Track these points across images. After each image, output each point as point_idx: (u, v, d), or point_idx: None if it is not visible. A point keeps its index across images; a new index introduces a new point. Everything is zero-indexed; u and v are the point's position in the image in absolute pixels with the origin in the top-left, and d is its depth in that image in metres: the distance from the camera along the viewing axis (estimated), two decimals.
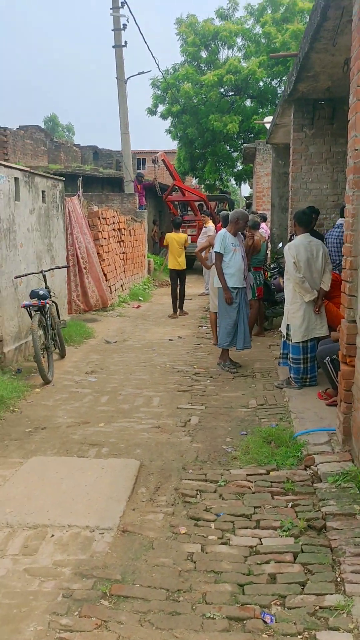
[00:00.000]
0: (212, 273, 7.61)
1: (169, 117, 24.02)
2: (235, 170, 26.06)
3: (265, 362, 7.11)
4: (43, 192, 8.04)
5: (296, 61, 6.76)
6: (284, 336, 5.94)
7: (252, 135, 23.15)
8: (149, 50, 28.99)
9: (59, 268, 8.12)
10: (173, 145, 27.63)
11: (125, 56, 16.42)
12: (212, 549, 3.05)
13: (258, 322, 8.64)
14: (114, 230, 12.19)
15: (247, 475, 3.90)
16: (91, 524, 3.27)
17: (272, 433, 4.52)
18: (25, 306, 6.37)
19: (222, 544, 3.10)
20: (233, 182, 31.20)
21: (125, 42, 16.33)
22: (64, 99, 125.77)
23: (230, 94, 23.36)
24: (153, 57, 30.68)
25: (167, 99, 23.56)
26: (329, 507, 3.31)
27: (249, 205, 20.33)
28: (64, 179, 9.48)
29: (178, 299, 11.09)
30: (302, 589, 2.68)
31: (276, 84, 22.83)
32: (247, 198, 27.38)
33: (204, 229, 13.36)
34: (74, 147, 29.71)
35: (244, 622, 2.49)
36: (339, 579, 2.73)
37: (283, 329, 5.95)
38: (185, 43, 23.34)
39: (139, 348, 8.18)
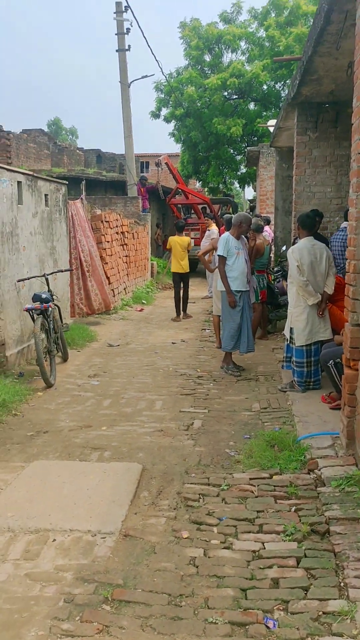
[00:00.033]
0: (215, 276, 7.59)
1: (173, 121, 24.08)
2: (238, 173, 26.07)
3: (268, 366, 7.10)
4: (46, 195, 8.05)
5: (300, 65, 6.75)
6: (287, 339, 5.93)
7: (255, 138, 23.18)
8: (153, 53, 29.15)
9: (62, 271, 8.12)
10: (176, 148, 27.65)
11: (129, 60, 16.44)
12: (215, 553, 3.03)
13: (261, 325, 8.63)
14: (117, 233, 12.20)
15: (250, 479, 3.88)
16: (93, 528, 3.25)
17: (276, 437, 4.50)
18: (27, 310, 6.37)
19: (224, 548, 3.08)
20: (237, 185, 31.24)
21: (129, 46, 16.31)
22: (68, 102, 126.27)
23: (234, 97, 23.40)
24: (156, 60, 30.58)
25: (171, 102, 23.61)
26: (332, 511, 3.29)
27: (252, 208, 20.31)
28: (67, 182, 9.50)
29: (181, 302, 11.07)
30: (305, 594, 2.67)
31: (280, 87, 22.85)
32: (250, 201, 27.37)
33: (207, 232, 13.36)
34: (77, 151, 29.83)
35: (247, 627, 2.47)
36: (342, 584, 2.71)
37: (286, 332, 5.94)
38: (188, 47, 23.38)
39: (141, 351, 8.17)
